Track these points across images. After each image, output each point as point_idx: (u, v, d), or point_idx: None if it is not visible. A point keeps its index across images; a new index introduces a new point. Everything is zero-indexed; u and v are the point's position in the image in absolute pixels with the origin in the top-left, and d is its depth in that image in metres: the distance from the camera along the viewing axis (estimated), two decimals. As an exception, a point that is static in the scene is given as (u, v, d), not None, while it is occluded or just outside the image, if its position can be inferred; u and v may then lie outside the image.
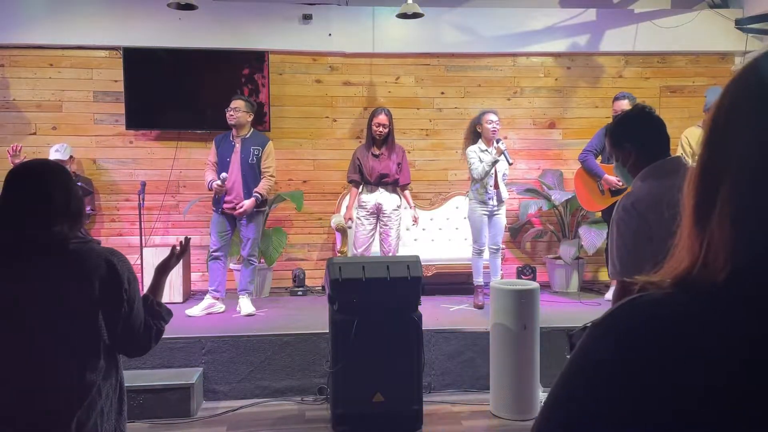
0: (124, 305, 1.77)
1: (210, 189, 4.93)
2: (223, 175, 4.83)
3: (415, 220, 5.26)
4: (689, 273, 0.63)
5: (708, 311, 0.60)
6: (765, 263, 0.58)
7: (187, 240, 2.15)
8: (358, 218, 5.04)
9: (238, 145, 4.89)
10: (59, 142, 5.61)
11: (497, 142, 4.89)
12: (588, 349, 0.66)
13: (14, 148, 4.95)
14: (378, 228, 5.06)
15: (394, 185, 5.06)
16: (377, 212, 5.01)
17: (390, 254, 4.96)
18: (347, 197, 5.52)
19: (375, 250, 5.18)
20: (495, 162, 4.85)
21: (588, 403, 0.63)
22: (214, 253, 4.94)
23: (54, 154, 5.39)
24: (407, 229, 6.03)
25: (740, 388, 0.56)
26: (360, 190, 5.14)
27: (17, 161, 5.07)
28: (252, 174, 4.89)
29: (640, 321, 0.63)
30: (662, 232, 1.98)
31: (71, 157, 5.54)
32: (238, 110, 4.85)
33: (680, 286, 0.63)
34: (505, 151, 4.87)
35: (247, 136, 4.94)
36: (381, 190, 5.00)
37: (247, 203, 4.81)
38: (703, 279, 0.62)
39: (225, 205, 4.85)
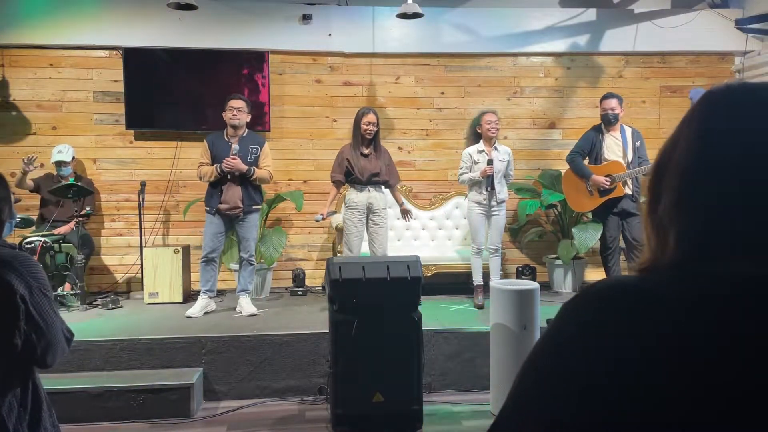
0: (20, 313, 1.62)
1: (220, 173, 4.73)
2: (234, 146, 4.76)
3: (407, 213, 5.05)
4: (652, 261, 0.71)
5: (659, 289, 0.66)
6: (704, 246, 0.67)
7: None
8: (349, 220, 4.95)
9: (236, 144, 4.83)
10: (59, 142, 5.61)
11: (489, 163, 4.98)
12: (552, 331, 0.70)
13: (29, 158, 5.10)
14: (368, 227, 5.01)
15: (383, 184, 5.02)
16: (367, 211, 4.97)
17: (380, 253, 4.91)
18: (346, 197, 5.50)
19: (364, 249, 5.12)
20: (476, 180, 5.04)
21: (554, 381, 0.66)
22: (209, 255, 4.88)
23: (57, 155, 5.39)
24: (407, 229, 6.03)
25: (696, 358, 0.60)
26: (348, 190, 5.04)
27: (30, 168, 5.10)
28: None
29: (597, 303, 0.67)
30: None
31: (73, 157, 5.54)
32: (241, 110, 4.82)
33: (644, 272, 0.71)
34: (492, 175, 4.99)
35: (244, 135, 4.89)
36: (370, 189, 4.95)
37: (239, 162, 4.74)
38: (661, 264, 0.70)
39: (221, 206, 4.80)
